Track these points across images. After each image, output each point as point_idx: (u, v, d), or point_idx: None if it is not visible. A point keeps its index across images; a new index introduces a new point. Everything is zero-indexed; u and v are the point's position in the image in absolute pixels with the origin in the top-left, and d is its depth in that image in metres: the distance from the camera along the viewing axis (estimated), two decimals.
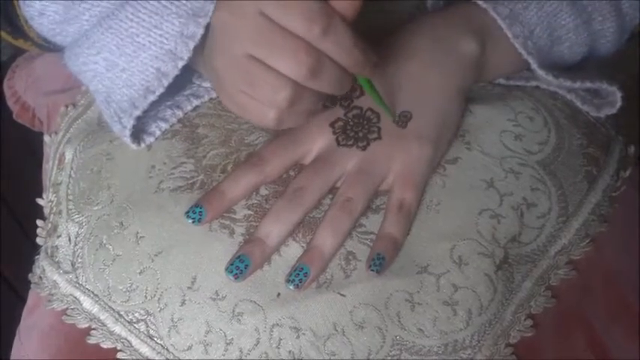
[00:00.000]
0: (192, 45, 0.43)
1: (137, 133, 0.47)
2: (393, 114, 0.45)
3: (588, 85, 0.49)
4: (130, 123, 0.45)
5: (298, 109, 0.40)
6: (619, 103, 0.50)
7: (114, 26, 0.44)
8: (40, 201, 0.53)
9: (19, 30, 0.54)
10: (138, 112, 0.45)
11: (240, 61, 0.38)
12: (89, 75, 0.47)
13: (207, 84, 0.50)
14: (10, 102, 0.66)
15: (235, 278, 0.42)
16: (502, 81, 0.51)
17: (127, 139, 0.46)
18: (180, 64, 0.43)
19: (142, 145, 0.48)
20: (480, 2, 0.47)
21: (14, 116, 0.66)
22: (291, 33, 0.37)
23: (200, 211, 0.43)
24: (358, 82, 0.42)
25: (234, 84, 0.40)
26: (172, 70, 0.44)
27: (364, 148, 0.44)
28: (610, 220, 0.47)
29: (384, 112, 0.44)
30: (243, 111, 0.41)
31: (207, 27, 0.42)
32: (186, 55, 0.43)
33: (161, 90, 0.44)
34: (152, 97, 0.45)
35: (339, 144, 0.45)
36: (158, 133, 0.48)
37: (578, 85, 0.49)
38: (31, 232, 0.52)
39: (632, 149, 0.51)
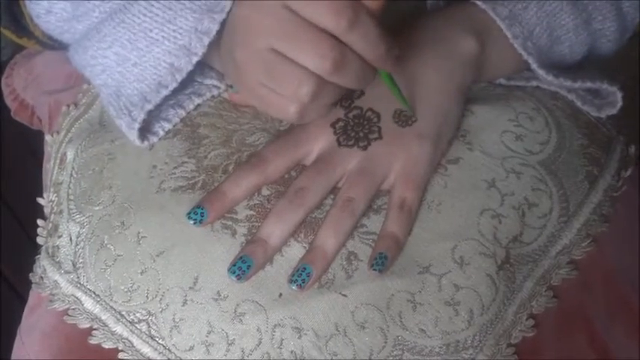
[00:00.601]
0: (206, 41, 0.43)
1: (142, 131, 0.47)
2: (412, 107, 0.45)
3: (589, 85, 0.49)
4: (140, 116, 0.45)
5: (320, 103, 0.40)
6: (619, 104, 0.50)
7: (126, 20, 0.44)
8: (40, 200, 0.53)
9: (23, 28, 0.54)
10: (150, 106, 0.45)
11: (263, 54, 0.38)
12: (98, 69, 0.47)
13: (208, 81, 0.50)
14: (7, 100, 0.66)
15: (238, 279, 0.42)
16: (503, 81, 0.51)
17: (134, 133, 0.46)
18: (195, 59, 0.43)
19: (146, 143, 0.47)
20: (479, 3, 0.47)
21: (12, 114, 0.66)
22: (315, 26, 0.36)
23: (202, 212, 0.43)
24: (380, 76, 0.42)
25: (256, 77, 0.40)
26: (186, 65, 0.44)
27: (365, 148, 0.44)
28: (611, 220, 0.47)
29: (402, 105, 0.44)
30: (264, 104, 0.41)
31: (222, 23, 0.42)
32: (200, 51, 0.43)
33: (174, 85, 0.44)
34: (165, 92, 0.45)
35: (340, 144, 0.45)
36: (161, 133, 0.48)
37: (578, 85, 0.49)
38: (31, 232, 0.52)
39: (632, 149, 0.51)
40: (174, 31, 0.43)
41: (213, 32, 0.42)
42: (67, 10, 0.47)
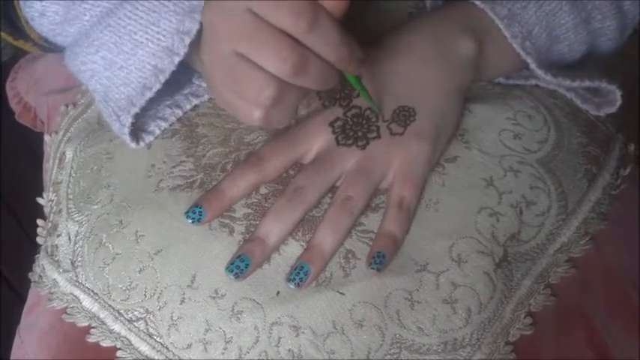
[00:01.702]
0: (187, 40, 0.43)
1: (136, 132, 0.47)
2: (382, 110, 0.45)
3: (588, 83, 0.49)
4: (128, 121, 0.45)
5: (283, 106, 0.40)
6: (619, 102, 0.50)
7: (112, 24, 0.44)
8: (40, 200, 0.53)
9: (19, 31, 0.54)
10: (136, 110, 0.45)
11: (228, 58, 0.38)
12: (88, 74, 0.47)
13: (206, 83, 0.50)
14: (12, 103, 0.67)
15: (236, 277, 0.42)
16: (502, 80, 0.51)
17: (126, 138, 0.46)
18: (177, 59, 0.43)
19: (142, 144, 0.48)
20: (478, 2, 0.47)
21: (16, 117, 0.66)
22: (277, 30, 0.37)
23: (200, 211, 0.43)
24: (347, 79, 0.42)
25: (222, 81, 0.40)
26: (169, 66, 0.44)
27: (363, 147, 0.44)
28: (610, 218, 0.47)
29: (371, 106, 0.45)
30: (231, 109, 0.41)
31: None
32: (182, 51, 0.43)
33: (158, 86, 0.44)
34: (149, 94, 0.45)
35: (338, 143, 0.45)
36: (157, 132, 0.48)
37: (577, 84, 0.49)
38: (31, 232, 0.52)
39: (632, 147, 0.51)
40: (157, 33, 0.43)
41: (194, 32, 0.42)
42: (59, 14, 0.47)
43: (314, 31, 0.36)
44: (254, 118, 0.40)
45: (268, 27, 0.37)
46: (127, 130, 0.46)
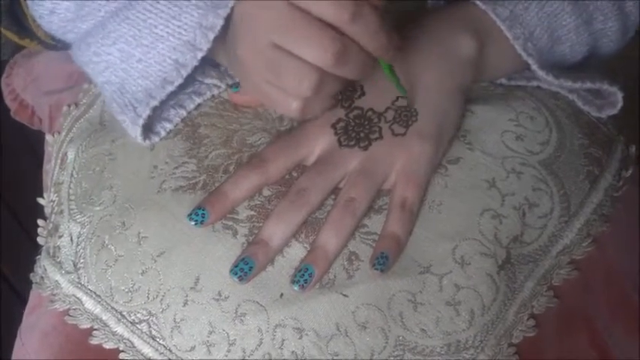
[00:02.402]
0: (211, 36, 0.43)
1: (144, 129, 0.47)
2: (411, 98, 0.45)
3: (589, 85, 0.49)
4: (145, 112, 0.45)
5: (322, 96, 0.40)
6: (620, 104, 0.50)
7: (131, 17, 0.44)
8: (41, 201, 0.53)
9: (26, 29, 0.54)
10: (155, 102, 0.45)
11: (265, 50, 0.38)
12: (101, 66, 0.46)
13: (209, 81, 0.50)
14: (7, 99, 0.66)
15: (240, 280, 0.42)
16: (504, 81, 0.51)
17: (138, 129, 0.46)
18: (200, 55, 0.43)
19: (147, 142, 0.47)
20: (479, 3, 0.47)
21: (12, 114, 0.66)
22: (315, 20, 0.37)
23: (202, 213, 0.43)
24: (381, 66, 0.42)
25: (259, 73, 0.40)
26: (191, 61, 0.44)
27: (366, 148, 0.44)
28: (612, 220, 0.47)
29: (401, 93, 0.44)
30: (268, 100, 0.42)
31: (227, 18, 0.42)
32: (205, 46, 0.43)
33: (180, 81, 0.44)
34: (170, 88, 0.45)
35: (340, 145, 0.45)
36: (163, 133, 0.48)
37: (578, 85, 0.49)
38: (31, 232, 0.52)
39: (633, 149, 0.51)
40: (179, 27, 0.43)
41: (218, 27, 0.42)
42: (70, 11, 0.47)
43: (357, 22, 0.37)
44: (292, 108, 0.40)
45: (307, 17, 0.37)
46: (141, 122, 0.46)
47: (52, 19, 0.48)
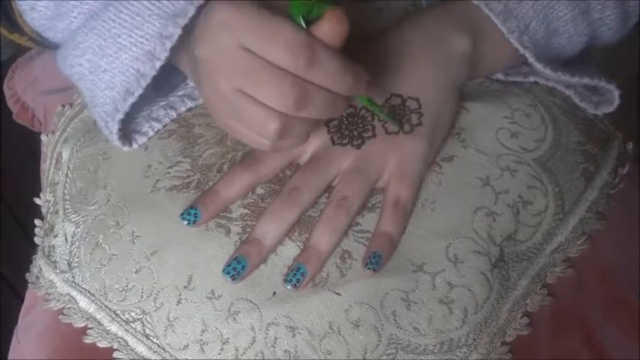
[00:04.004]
0: (169, 45, 0.42)
1: (129, 133, 0.47)
2: (399, 123, 0.45)
3: (587, 80, 0.49)
4: (115, 127, 0.45)
5: (293, 135, 0.39)
6: (617, 101, 0.49)
7: (97, 27, 0.44)
8: (37, 200, 0.53)
9: (14, 24, 0.54)
10: (120, 116, 0.45)
11: (229, 95, 0.38)
12: (75, 77, 0.47)
13: None
14: (10, 102, 0.66)
15: (232, 280, 0.42)
16: (500, 77, 0.51)
17: (116, 143, 0.46)
18: (158, 64, 0.43)
19: (135, 145, 0.48)
20: None
21: (14, 117, 0.66)
22: (274, 65, 0.36)
23: (195, 213, 0.43)
24: (359, 100, 0.42)
25: (225, 115, 0.40)
26: (150, 70, 0.43)
27: (359, 147, 0.44)
28: (608, 218, 0.47)
29: (389, 121, 0.44)
30: (238, 137, 0.41)
31: (187, 28, 0.41)
32: (163, 55, 0.43)
33: (139, 91, 0.44)
34: (131, 99, 0.44)
35: (334, 143, 0.45)
36: (151, 133, 0.48)
37: (576, 79, 0.49)
38: (31, 232, 0.52)
39: (630, 146, 0.51)
40: (141, 36, 0.43)
41: (175, 37, 0.42)
42: (49, 9, 0.47)
43: (313, 67, 0.36)
44: (262, 147, 0.40)
45: (264, 63, 0.36)
46: (115, 137, 0.46)
47: (33, 16, 0.48)
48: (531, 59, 0.48)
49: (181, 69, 0.48)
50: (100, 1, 0.45)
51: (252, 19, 0.36)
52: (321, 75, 0.36)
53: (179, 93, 0.49)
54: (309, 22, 0.36)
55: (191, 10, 0.41)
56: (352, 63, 0.37)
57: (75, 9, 0.46)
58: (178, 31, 0.42)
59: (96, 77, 0.45)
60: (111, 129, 0.46)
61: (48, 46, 0.54)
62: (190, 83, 0.50)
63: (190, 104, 0.49)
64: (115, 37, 0.43)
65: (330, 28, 0.36)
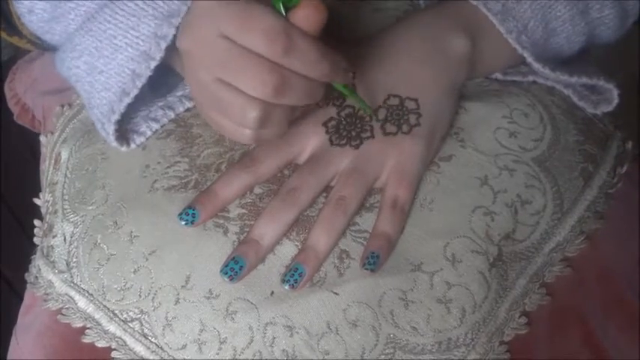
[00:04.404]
0: (163, 45, 0.42)
1: (127, 134, 0.47)
2: (375, 112, 0.45)
3: (585, 80, 0.49)
4: (111, 128, 0.46)
5: (272, 124, 0.40)
6: (616, 101, 0.49)
7: (93, 29, 0.44)
8: (36, 201, 0.53)
9: (13, 27, 0.54)
10: (116, 117, 0.45)
11: (209, 85, 0.38)
12: (73, 80, 0.47)
13: None
14: (10, 104, 0.67)
15: (230, 280, 0.42)
16: (499, 76, 0.51)
17: (114, 144, 0.46)
18: (153, 64, 0.43)
19: (133, 145, 0.48)
20: None
21: (15, 118, 0.67)
22: (253, 53, 0.36)
23: (193, 213, 0.43)
24: (335, 89, 0.42)
25: (208, 107, 0.40)
26: (145, 70, 0.43)
27: (357, 147, 0.44)
28: (606, 217, 0.47)
29: (365, 111, 0.44)
30: (220, 129, 0.41)
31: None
32: (158, 56, 0.43)
33: (135, 91, 0.44)
34: (127, 100, 0.44)
35: (332, 143, 0.45)
36: (149, 133, 0.48)
37: (575, 79, 0.49)
38: (31, 232, 0.52)
39: (629, 145, 0.51)
40: (136, 37, 0.43)
41: (170, 37, 0.42)
42: (46, 11, 0.47)
43: (290, 54, 0.36)
44: (244, 136, 0.40)
45: (244, 51, 0.37)
46: (111, 138, 0.46)
47: (31, 19, 0.49)
48: (530, 59, 0.48)
49: (177, 69, 0.48)
50: (96, 2, 0.45)
51: (232, 7, 0.36)
52: (298, 62, 0.37)
53: (177, 93, 0.49)
54: (288, 10, 0.37)
55: (184, 10, 0.41)
56: (330, 50, 0.38)
57: (72, 11, 0.46)
58: (172, 31, 0.42)
59: (93, 79, 0.45)
60: (107, 130, 0.46)
61: (47, 48, 0.54)
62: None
63: (188, 104, 0.49)
64: (110, 39, 0.44)
65: (306, 14, 0.37)
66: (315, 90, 0.39)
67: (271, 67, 0.36)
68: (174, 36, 0.42)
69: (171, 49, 0.42)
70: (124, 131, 0.47)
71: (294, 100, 0.38)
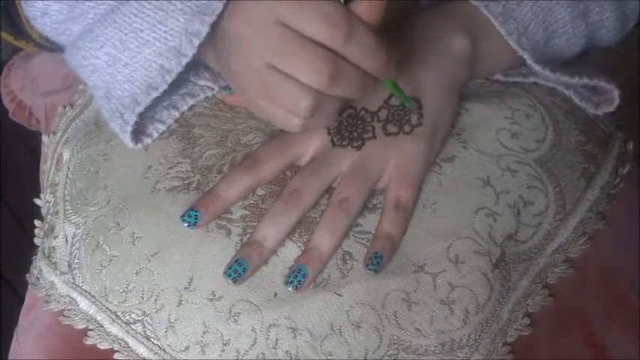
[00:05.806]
0: (196, 42, 0.42)
1: (135, 133, 0.47)
2: (420, 105, 0.45)
3: (586, 81, 0.49)
4: (132, 119, 0.45)
5: (323, 114, 0.39)
6: (617, 101, 0.49)
7: (118, 21, 0.44)
8: (37, 201, 0.53)
9: (21, 31, 0.54)
10: (140, 109, 0.45)
11: (260, 70, 0.38)
12: (88, 69, 0.46)
13: (202, 82, 0.49)
14: (5, 100, 0.66)
15: (234, 282, 0.42)
16: (500, 77, 0.51)
17: (127, 136, 0.46)
18: (184, 61, 0.43)
19: (139, 145, 0.47)
20: (472, 0, 0.47)
21: (10, 115, 0.66)
22: (309, 40, 0.36)
23: (195, 215, 0.43)
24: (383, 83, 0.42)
25: (255, 92, 0.40)
26: (176, 66, 0.43)
27: (359, 148, 0.44)
28: (608, 218, 0.47)
29: (411, 107, 0.44)
30: (267, 116, 0.41)
31: (214, 25, 0.41)
32: (190, 52, 0.42)
33: (164, 87, 0.44)
34: (155, 94, 0.44)
35: (334, 144, 0.45)
36: (155, 134, 0.48)
37: (576, 80, 0.49)
38: (31, 232, 0.52)
39: (631, 145, 0.51)
40: (165, 32, 0.42)
41: (204, 34, 0.42)
42: (62, 12, 0.47)
43: (351, 43, 0.36)
44: (293, 124, 0.40)
45: (299, 38, 0.36)
46: (129, 129, 0.45)
47: (44, 21, 0.48)
48: (530, 61, 0.48)
49: (208, 64, 0.48)
50: (117, 1, 0.44)
51: None
52: (357, 51, 0.36)
53: (181, 91, 0.49)
54: (347, 1, 0.36)
55: (219, 7, 0.40)
56: (386, 43, 0.37)
57: (91, 10, 0.45)
58: (206, 29, 0.41)
59: (115, 70, 0.45)
60: (127, 120, 0.45)
61: (55, 50, 0.53)
62: (192, 79, 0.49)
63: (191, 102, 0.49)
64: (136, 32, 0.43)
65: (369, 5, 0.36)
66: (367, 83, 0.39)
67: (328, 55, 0.36)
68: (209, 33, 0.41)
69: (202, 44, 0.42)
70: (134, 128, 0.47)
71: (347, 91, 0.38)
